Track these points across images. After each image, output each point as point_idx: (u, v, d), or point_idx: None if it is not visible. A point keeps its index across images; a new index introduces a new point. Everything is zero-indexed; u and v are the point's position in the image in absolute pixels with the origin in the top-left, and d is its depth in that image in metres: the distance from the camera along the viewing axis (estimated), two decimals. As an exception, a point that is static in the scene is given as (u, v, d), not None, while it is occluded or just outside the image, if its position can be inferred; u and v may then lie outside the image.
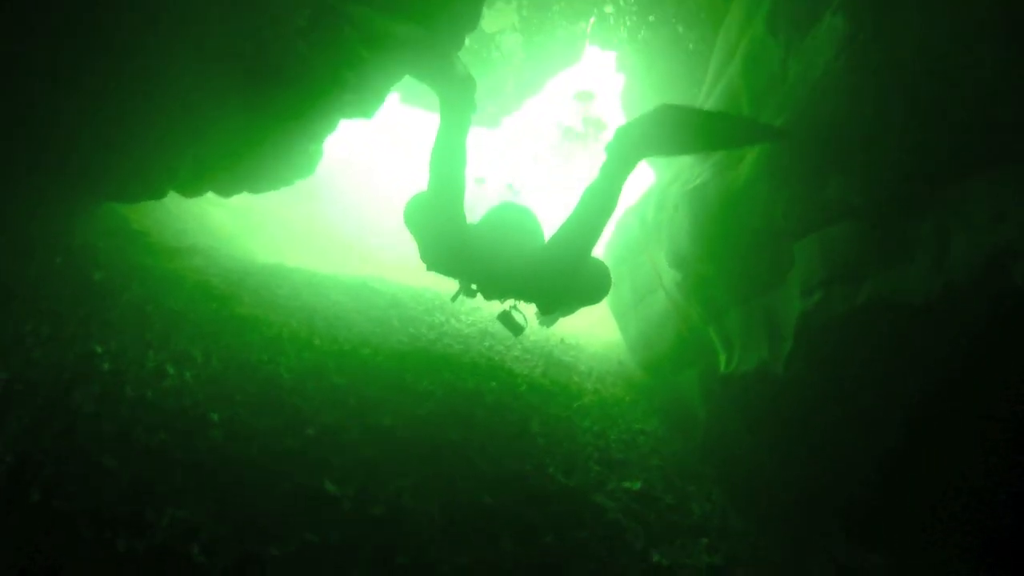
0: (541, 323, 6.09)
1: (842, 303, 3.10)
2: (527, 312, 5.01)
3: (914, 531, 3.32)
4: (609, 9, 8.04)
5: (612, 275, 5.72)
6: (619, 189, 3.66)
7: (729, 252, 4.30)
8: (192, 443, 2.51)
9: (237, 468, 2.48)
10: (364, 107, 4.67)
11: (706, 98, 5.16)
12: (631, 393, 6.02)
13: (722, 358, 4.67)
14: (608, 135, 4.01)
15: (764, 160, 3.61)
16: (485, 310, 7.77)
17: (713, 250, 4.47)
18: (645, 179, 9.05)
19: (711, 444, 5.12)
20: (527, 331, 7.21)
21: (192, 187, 5.43)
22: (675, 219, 4.90)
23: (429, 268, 3.91)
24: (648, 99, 7.87)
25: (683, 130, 3.60)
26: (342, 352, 4.22)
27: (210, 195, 6.11)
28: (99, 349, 3.01)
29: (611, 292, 7.44)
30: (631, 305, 6.88)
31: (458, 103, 3.61)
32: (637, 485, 3.82)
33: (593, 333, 8.70)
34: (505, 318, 4.52)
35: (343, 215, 13.96)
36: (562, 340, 7.26)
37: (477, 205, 4.49)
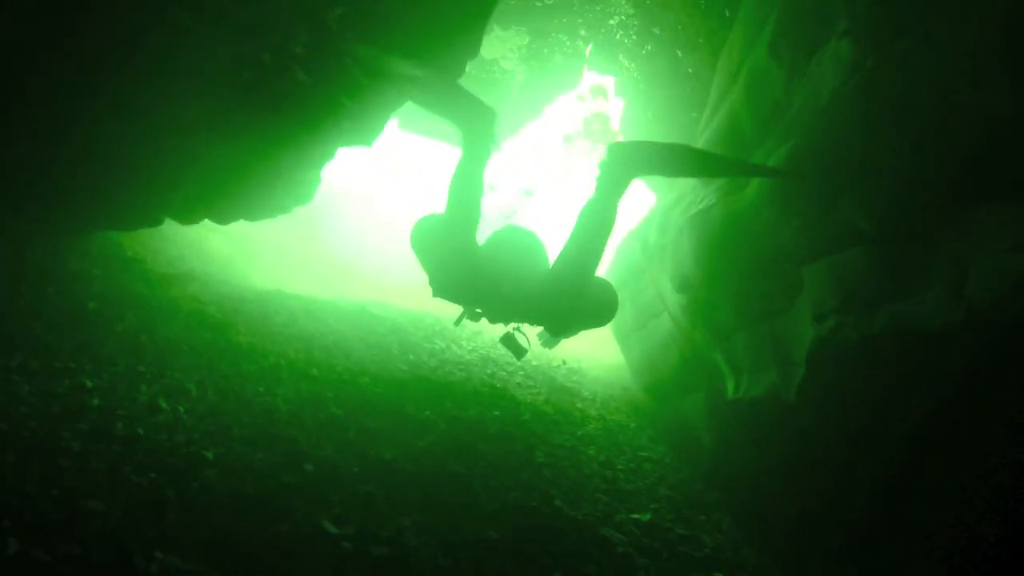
0: (543, 344, 5.63)
1: (855, 330, 3.03)
2: (529, 334, 4.75)
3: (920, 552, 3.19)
4: (613, 22, 8.09)
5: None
6: (615, 206, 3.63)
7: (735, 276, 4.24)
8: (185, 482, 2.41)
9: (232, 508, 2.37)
10: (363, 135, 4.64)
11: (707, 123, 5.14)
12: (636, 419, 5.91)
13: (730, 383, 4.58)
14: (603, 150, 4.01)
15: (769, 185, 3.56)
16: (486, 335, 7.69)
17: (718, 274, 4.40)
18: (646, 202, 9.03)
19: (718, 469, 5.00)
20: (529, 355, 7.12)
21: (188, 214, 5.37)
22: (679, 243, 4.85)
23: (435, 294, 3.86)
24: (647, 123, 7.88)
25: (679, 157, 3.64)
26: (341, 381, 4.12)
27: (207, 222, 6.06)
28: (89, 383, 2.92)
29: (617, 320, 7.37)
30: (633, 328, 6.80)
31: (478, 135, 3.62)
32: (647, 516, 3.70)
33: (594, 356, 8.60)
34: (508, 341, 4.45)
35: (343, 241, 13.93)
36: (564, 363, 7.16)
37: (490, 213, 4.40)
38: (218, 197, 5.14)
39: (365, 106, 4.09)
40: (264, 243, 10.80)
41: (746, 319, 4.30)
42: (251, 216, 5.48)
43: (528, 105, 9.35)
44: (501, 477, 3.53)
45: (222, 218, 5.62)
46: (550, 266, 3.87)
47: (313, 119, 3.88)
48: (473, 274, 3.76)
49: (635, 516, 3.68)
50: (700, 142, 5.18)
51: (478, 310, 4.25)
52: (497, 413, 4.53)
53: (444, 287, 3.83)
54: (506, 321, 4.22)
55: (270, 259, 10.19)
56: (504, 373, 5.80)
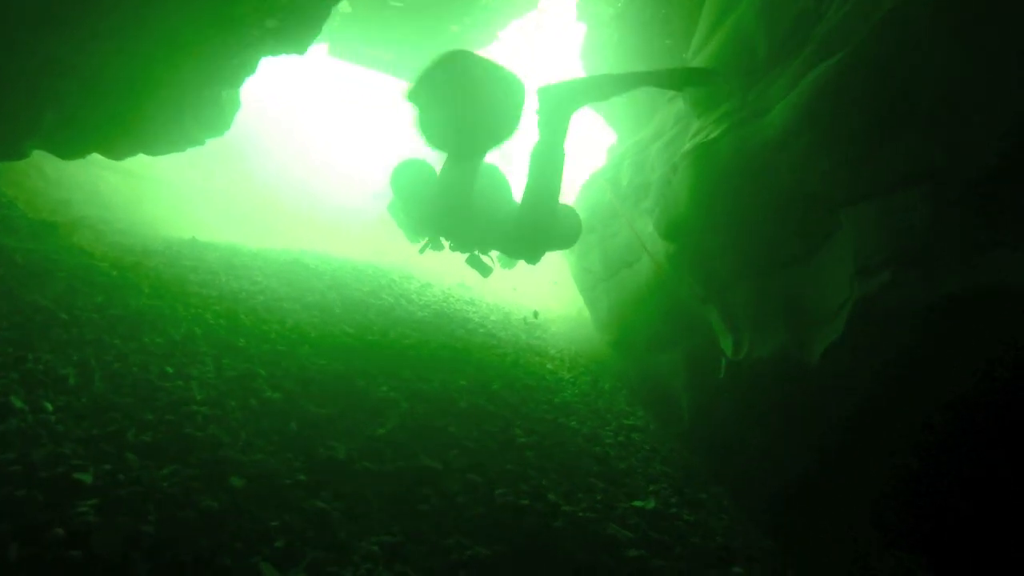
0: (503, 265, 6.10)
1: (919, 287, 2.50)
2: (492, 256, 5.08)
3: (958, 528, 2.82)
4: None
5: (580, 248, 5.99)
6: (561, 144, 3.84)
7: (741, 220, 3.66)
8: (42, 529, 1.63)
9: (122, 565, 1.62)
10: (294, 37, 3.66)
11: (701, 45, 4.45)
12: (608, 378, 5.40)
13: (726, 342, 4.07)
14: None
15: (803, 108, 2.93)
16: (436, 287, 6.94)
17: (719, 218, 3.81)
18: (607, 138, 8.36)
19: (699, 434, 4.57)
20: (488, 310, 6.45)
21: (68, 146, 4.28)
22: (672, 182, 4.22)
23: (413, 233, 4.47)
24: (614, 51, 7.11)
25: (605, 83, 3.86)
26: (275, 353, 3.33)
27: (102, 160, 4.94)
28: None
29: (577, 264, 6.77)
30: (601, 278, 6.21)
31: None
32: (651, 504, 3.17)
33: (553, 308, 8.04)
34: (475, 261, 4.68)
35: (268, 178, 12.60)
36: (525, 321, 6.54)
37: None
38: (106, 123, 4.08)
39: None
40: (177, 184, 9.49)
41: (749, 270, 3.76)
42: (152, 149, 4.44)
43: (481, 30, 8.32)
44: (481, 468, 2.89)
45: (114, 151, 4.54)
46: (515, 201, 4.16)
47: (228, 13, 2.92)
48: (459, 215, 3.98)
49: (638, 504, 3.15)
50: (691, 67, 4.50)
51: (447, 241, 4.50)
52: (464, 383, 3.86)
53: (425, 226, 4.19)
54: (477, 250, 4.53)
55: (184, 203, 8.95)
56: (464, 332, 5.12)
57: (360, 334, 4.04)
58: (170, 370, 2.79)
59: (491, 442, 3.24)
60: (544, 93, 3.77)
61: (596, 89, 3.83)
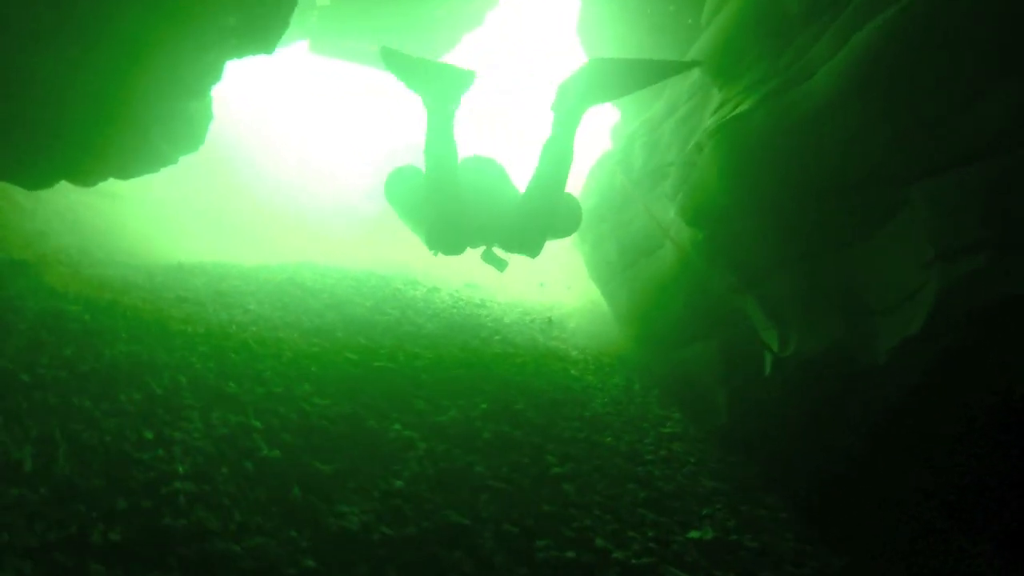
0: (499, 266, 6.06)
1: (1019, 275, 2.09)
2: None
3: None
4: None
5: (592, 237, 5.85)
6: (572, 140, 3.91)
7: (783, 201, 3.25)
8: None
9: None
10: (258, 35, 3.24)
11: (718, 7, 4.00)
12: (635, 377, 5.02)
13: (770, 335, 3.67)
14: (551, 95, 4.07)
15: (857, 70, 2.50)
16: (443, 291, 6.55)
17: (757, 200, 3.39)
18: (608, 119, 7.90)
19: (739, 431, 4.19)
20: (501, 311, 6.06)
21: (33, 175, 3.89)
22: (697, 163, 3.79)
23: (433, 247, 4.16)
24: (611, 27, 6.63)
25: (622, 76, 3.81)
26: (271, 398, 2.95)
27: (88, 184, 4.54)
28: None
29: (592, 255, 6.35)
30: (619, 269, 5.80)
31: (437, 102, 3.81)
32: (709, 534, 2.80)
33: (566, 302, 7.63)
34: (489, 256, 4.64)
35: (259, 186, 12.18)
36: (549, 321, 6.14)
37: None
38: (70, 148, 3.69)
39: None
40: (164, 202, 9.09)
41: (792, 256, 3.36)
42: (122, 172, 4.05)
43: (469, 13, 7.83)
44: (517, 515, 2.52)
45: (83, 177, 4.14)
46: (520, 196, 4.11)
47: (180, 11, 2.50)
48: (456, 218, 3.98)
49: (694, 535, 2.77)
50: (705, 34, 4.05)
51: (454, 241, 4.36)
52: (485, 406, 3.49)
53: (427, 232, 4.05)
54: (484, 244, 4.49)
55: (172, 222, 8.56)
56: (478, 342, 4.73)
57: (366, 360, 3.66)
58: (149, 435, 2.41)
59: (523, 478, 2.86)
60: (563, 89, 3.83)
61: (613, 88, 3.83)
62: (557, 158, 3.86)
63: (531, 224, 4.06)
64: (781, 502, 3.47)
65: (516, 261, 6.91)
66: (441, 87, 3.79)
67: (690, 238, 4.24)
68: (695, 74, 4.62)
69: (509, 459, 3.00)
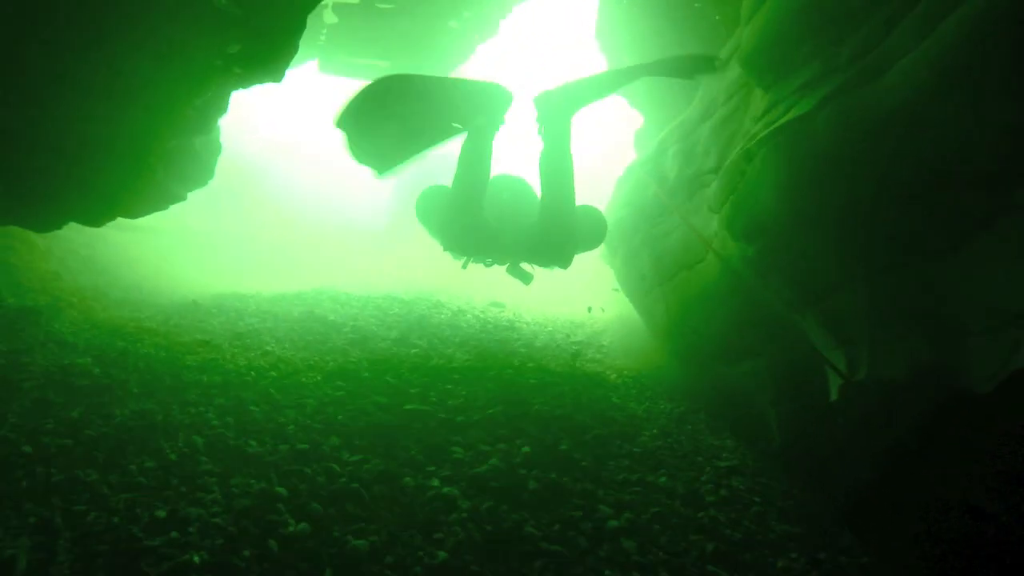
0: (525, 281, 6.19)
1: None
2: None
3: None
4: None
5: (624, 251, 5.72)
6: (567, 148, 3.94)
7: (852, 210, 2.91)
8: None
9: None
10: (265, 62, 2.99)
11: (756, 6, 3.68)
12: (680, 399, 4.69)
13: (836, 356, 3.33)
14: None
15: (953, 61, 2.17)
16: (468, 312, 6.26)
17: (821, 210, 3.07)
18: (632, 122, 7.60)
19: (795, 456, 3.85)
20: (532, 334, 5.76)
21: (41, 219, 3.70)
22: (747, 172, 3.47)
23: (447, 249, 4.25)
24: (630, 28, 6.33)
25: (601, 82, 3.98)
26: (297, 457, 2.68)
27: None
28: None
29: (624, 269, 6.03)
30: (655, 283, 5.47)
31: (481, 127, 3.86)
32: (793, 597, 2.47)
33: (592, 318, 7.32)
34: (515, 270, 4.74)
35: (279, 209, 12.04)
36: (581, 344, 5.83)
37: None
38: (73, 190, 3.48)
39: (259, 13, 2.46)
40: (181, 232, 8.96)
41: (862, 270, 3.02)
42: (129, 212, 3.83)
43: (483, 22, 7.56)
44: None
45: (90, 218, 3.94)
46: (537, 214, 4.13)
47: (175, 51, 2.26)
48: (482, 235, 4.07)
49: (778, 599, 2.44)
50: (746, 28, 3.74)
51: (488, 260, 4.58)
52: (527, 450, 3.19)
53: (455, 247, 4.19)
54: (513, 261, 4.62)
55: (189, 253, 8.40)
56: (512, 371, 4.43)
57: (396, 403, 3.38)
58: (162, 513, 2.15)
59: (579, 537, 2.56)
60: (540, 101, 3.89)
61: (592, 89, 3.94)
62: (556, 168, 3.90)
63: (551, 236, 4.09)
64: (859, 544, 3.12)
65: (539, 276, 6.64)
66: (486, 108, 3.86)
67: (738, 252, 3.91)
68: (732, 74, 4.31)
69: (560, 514, 2.70)
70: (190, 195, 4.27)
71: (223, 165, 5.08)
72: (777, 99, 3.33)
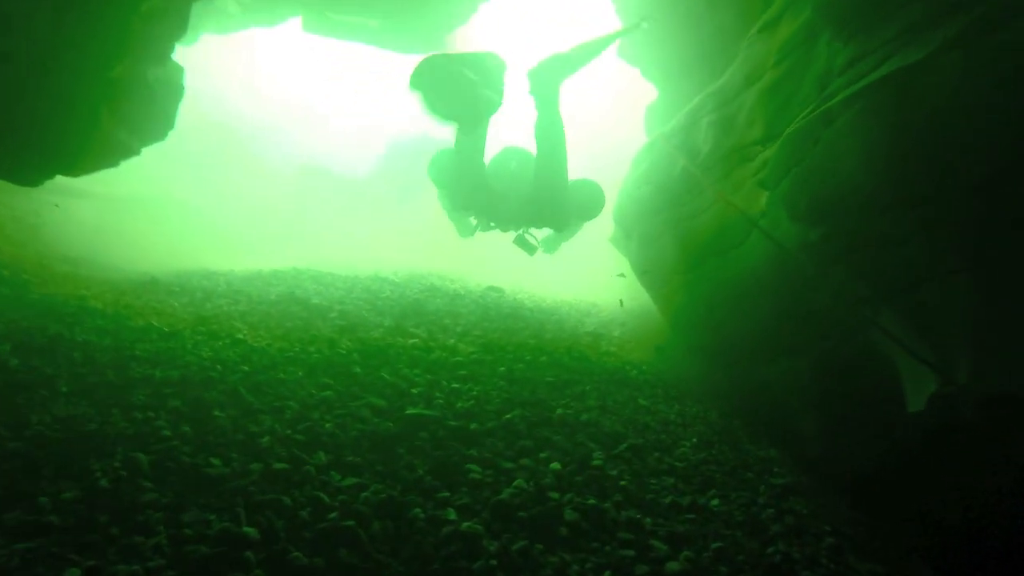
0: (546, 250, 6.35)
1: None
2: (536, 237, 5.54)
3: None
4: None
5: (641, 233, 5.36)
6: (558, 115, 4.35)
7: (949, 187, 2.38)
8: None
9: None
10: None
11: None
12: (712, 404, 4.17)
13: (919, 363, 2.82)
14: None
15: None
16: (466, 296, 5.65)
17: (925, 186, 2.52)
18: (647, 95, 7.01)
19: (835, 465, 3.39)
20: (552, 333, 5.19)
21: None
22: (822, 138, 2.90)
23: (454, 211, 5.00)
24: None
25: (584, 51, 4.46)
26: (270, 480, 2.07)
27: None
28: None
29: (641, 253, 5.46)
30: (680, 270, 4.92)
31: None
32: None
33: (600, 305, 6.75)
34: (521, 241, 5.14)
35: (257, 174, 11.25)
36: (593, 337, 5.26)
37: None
38: (-1, 139, 2.77)
39: None
40: (156, 201, 8.18)
41: (967, 261, 2.50)
42: (71, 168, 3.13)
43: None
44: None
45: (22, 175, 3.22)
46: (533, 180, 4.52)
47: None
48: (488, 196, 4.51)
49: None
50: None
51: (492, 223, 4.95)
52: (557, 466, 2.62)
53: (464, 206, 4.59)
54: (517, 228, 5.01)
55: (160, 224, 7.65)
56: (523, 366, 3.83)
57: (396, 407, 2.77)
58: (74, 574, 1.53)
59: (634, 585, 2.00)
60: (532, 74, 4.30)
61: (575, 60, 4.33)
62: (547, 134, 4.29)
63: (542, 192, 4.44)
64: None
65: (539, 260, 6.08)
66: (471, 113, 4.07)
67: (796, 236, 3.36)
68: (786, 31, 3.74)
69: (608, 554, 2.13)
70: (177, 162, 3.58)
71: (215, 132, 4.43)
72: (863, 51, 2.76)
